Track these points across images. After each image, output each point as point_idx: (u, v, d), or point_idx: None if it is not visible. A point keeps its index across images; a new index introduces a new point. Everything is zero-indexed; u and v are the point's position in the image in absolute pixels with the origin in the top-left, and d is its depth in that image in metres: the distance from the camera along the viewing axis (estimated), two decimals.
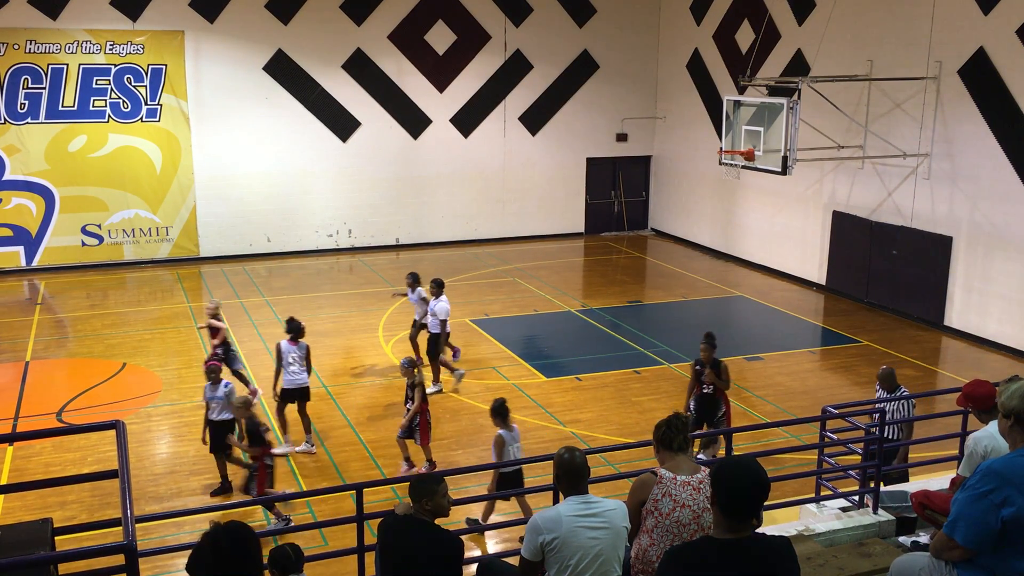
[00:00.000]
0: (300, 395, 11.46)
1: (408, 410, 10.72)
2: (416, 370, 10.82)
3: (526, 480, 9.27)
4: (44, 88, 20.14)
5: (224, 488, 10.39)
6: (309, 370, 11.53)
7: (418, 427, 10.71)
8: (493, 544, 9.28)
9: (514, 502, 9.49)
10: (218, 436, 10.21)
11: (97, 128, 20.67)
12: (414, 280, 14.21)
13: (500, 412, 9.14)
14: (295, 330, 11.48)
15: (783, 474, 9.39)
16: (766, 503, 3.73)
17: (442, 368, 13.60)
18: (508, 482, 9.03)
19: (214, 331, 13.01)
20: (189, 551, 3.70)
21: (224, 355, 12.83)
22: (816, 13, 19.20)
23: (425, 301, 13.99)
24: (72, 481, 5.91)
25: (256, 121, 21.83)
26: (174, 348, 15.53)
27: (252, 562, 3.63)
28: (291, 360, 11.35)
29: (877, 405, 8.81)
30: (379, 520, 5.32)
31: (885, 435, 8.27)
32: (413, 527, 5.03)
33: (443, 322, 13.30)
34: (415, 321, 14.40)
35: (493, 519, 9.34)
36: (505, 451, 9.01)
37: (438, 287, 13.43)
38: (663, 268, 22.13)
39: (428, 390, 13.31)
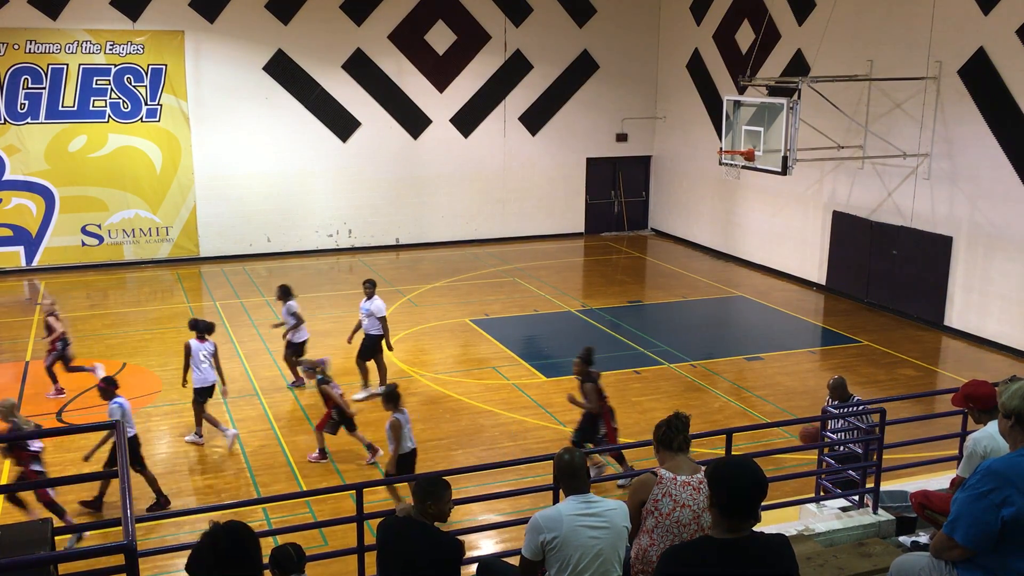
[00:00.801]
0: (210, 393, 11.71)
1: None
2: (318, 370, 11.17)
3: (526, 480, 9.28)
4: (44, 88, 20.13)
5: (159, 504, 9.97)
6: (218, 368, 11.72)
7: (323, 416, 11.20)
8: (492, 544, 9.29)
9: (508, 501, 9.51)
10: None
11: (97, 128, 20.67)
12: (284, 293, 13.64)
13: (392, 398, 9.65)
14: (203, 328, 11.69)
15: (783, 474, 9.40)
16: (765, 503, 3.73)
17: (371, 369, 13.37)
18: (405, 462, 9.55)
19: (50, 329, 13.13)
20: (189, 551, 3.70)
21: (62, 352, 13.14)
22: (816, 13, 19.20)
23: (296, 316, 13.47)
24: (72, 481, 5.90)
25: (256, 121, 21.82)
26: (174, 348, 15.49)
27: (251, 562, 3.63)
28: (201, 358, 11.54)
29: (830, 415, 8.77)
30: (379, 520, 5.32)
31: (842, 447, 8.29)
32: (413, 529, 5.03)
33: (383, 319, 13.02)
34: (289, 342, 13.61)
35: (491, 519, 9.35)
36: (402, 433, 9.51)
37: (371, 287, 13.22)
38: (663, 268, 22.13)
39: (369, 392, 13.09)
